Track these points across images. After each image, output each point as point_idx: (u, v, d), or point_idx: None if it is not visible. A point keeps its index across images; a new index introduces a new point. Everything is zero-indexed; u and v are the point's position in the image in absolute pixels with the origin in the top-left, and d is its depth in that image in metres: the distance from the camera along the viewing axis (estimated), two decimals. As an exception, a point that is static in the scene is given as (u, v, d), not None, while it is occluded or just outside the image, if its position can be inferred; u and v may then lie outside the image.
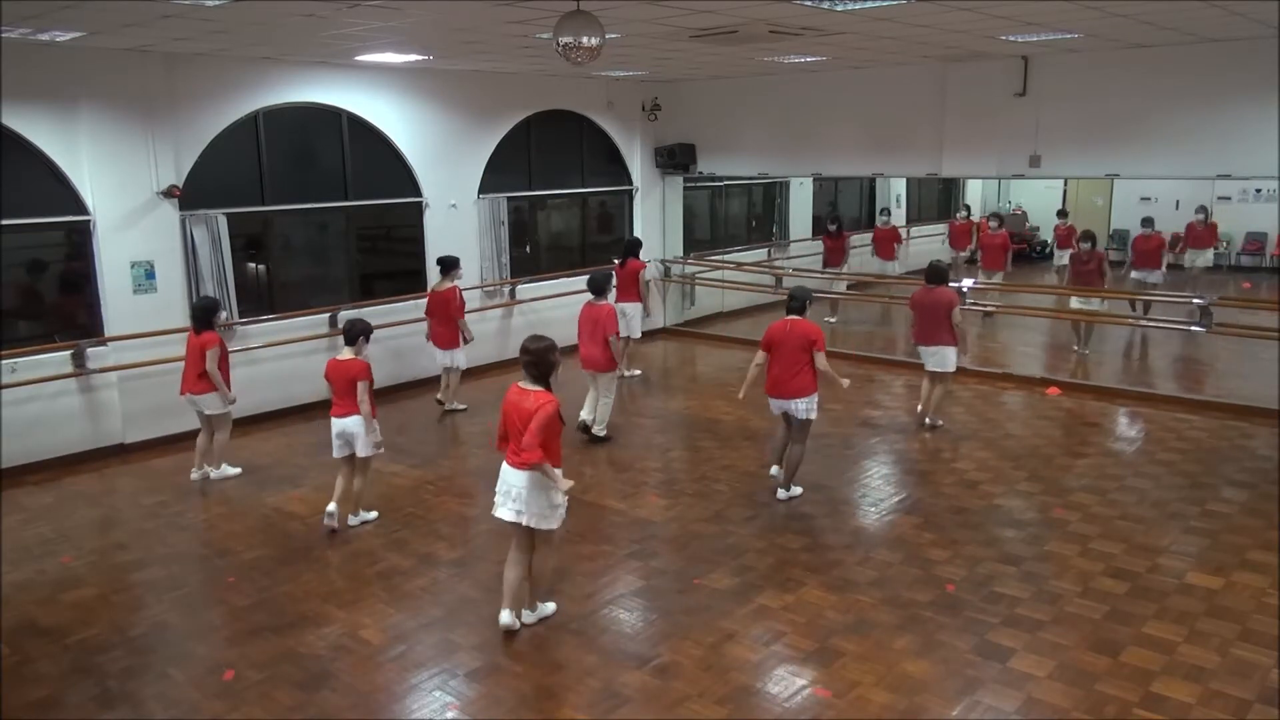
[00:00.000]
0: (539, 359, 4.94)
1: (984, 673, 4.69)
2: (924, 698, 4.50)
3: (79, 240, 8.18)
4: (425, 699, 4.61)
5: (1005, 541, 6.24)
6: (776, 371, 6.86)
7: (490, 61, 9.56)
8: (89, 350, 8.12)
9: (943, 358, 8.48)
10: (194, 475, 7.71)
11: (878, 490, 7.30)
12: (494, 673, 4.81)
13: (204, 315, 7.40)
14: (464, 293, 9.37)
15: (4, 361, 7.66)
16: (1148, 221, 12.72)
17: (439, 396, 9.62)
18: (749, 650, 4.96)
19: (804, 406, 6.85)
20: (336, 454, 6.61)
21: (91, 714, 4.54)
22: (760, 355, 6.93)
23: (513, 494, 4.97)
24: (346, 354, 6.55)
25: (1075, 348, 11.43)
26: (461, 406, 9.61)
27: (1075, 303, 11.34)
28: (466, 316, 9.34)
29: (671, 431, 8.94)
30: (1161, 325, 11.21)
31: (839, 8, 6.37)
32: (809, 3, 6.20)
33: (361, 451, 6.52)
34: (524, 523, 4.98)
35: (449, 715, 4.47)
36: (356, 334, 6.58)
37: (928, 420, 8.72)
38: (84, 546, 6.52)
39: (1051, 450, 8.09)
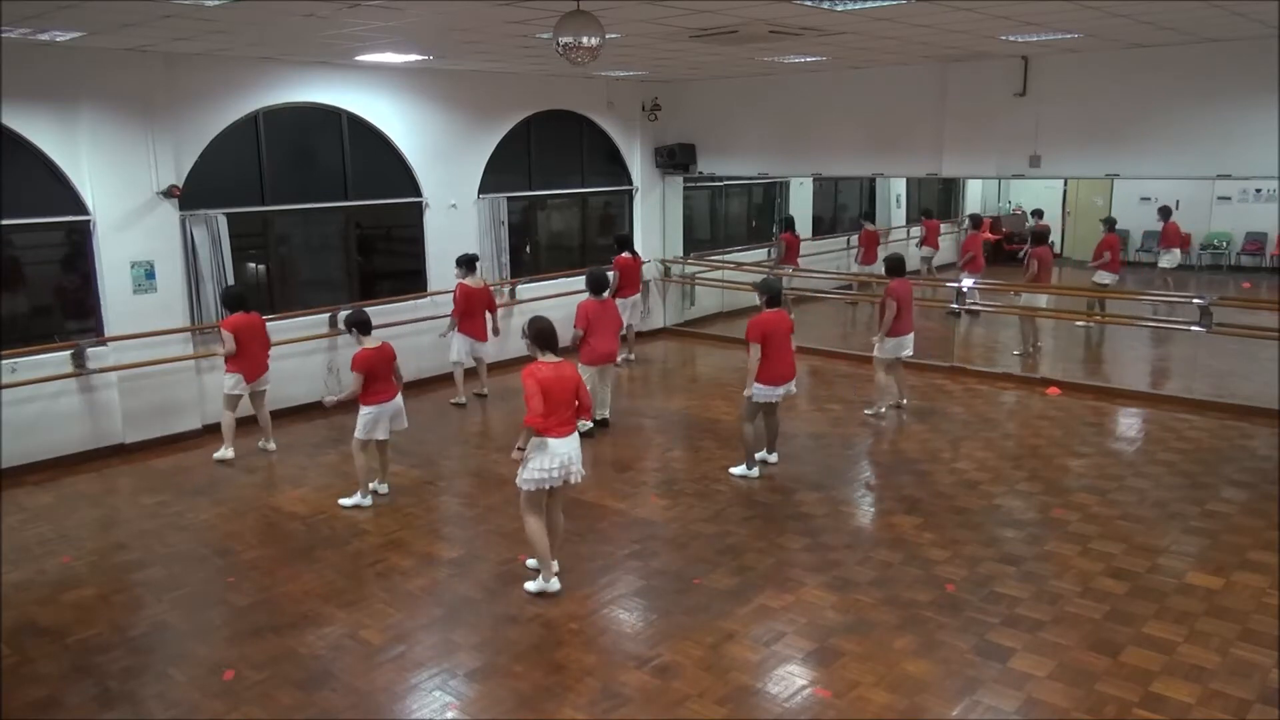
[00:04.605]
0: (552, 330, 5.60)
1: (984, 673, 4.69)
2: (924, 698, 4.50)
3: (79, 240, 8.19)
4: (425, 699, 4.61)
5: (1005, 541, 6.25)
6: (782, 358, 7.28)
7: (490, 61, 9.55)
8: (89, 350, 8.12)
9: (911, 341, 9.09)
10: (265, 445, 8.39)
11: (878, 490, 7.30)
12: (494, 673, 4.81)
13: (246, 299, 8.06)
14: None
15: (4, 361, 7.67)
16: (1108, 222, 13.07)
17: (456, 399, 9.79)
18: (749, 650, 4.96)
19: (794, 381, 7.53)
20: (382, 435, 7.06)
21: (91, 714, 4.54)
22: (756, 350, 7.16)
23: (569, 459, 5.51)
24: (370, 343, 6.96)
25: (1015, 352, 11.41)
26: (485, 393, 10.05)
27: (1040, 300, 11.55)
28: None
29: (671, 431, 8.94)
30: (1162, 325, 11.21)
31: (839, 8, 6.37)
32: (809, 3, 6.19)
33: (382, 434, 7.07)
34: (577, 480, 5.63)
35: (449, 715, 4.47)
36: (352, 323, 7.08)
37: (904, 401, 9.29)
38: (84, 546, 6.52)
39: (1051, 450, 8.08)
